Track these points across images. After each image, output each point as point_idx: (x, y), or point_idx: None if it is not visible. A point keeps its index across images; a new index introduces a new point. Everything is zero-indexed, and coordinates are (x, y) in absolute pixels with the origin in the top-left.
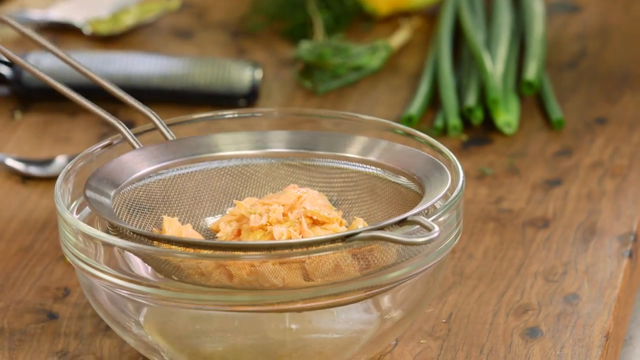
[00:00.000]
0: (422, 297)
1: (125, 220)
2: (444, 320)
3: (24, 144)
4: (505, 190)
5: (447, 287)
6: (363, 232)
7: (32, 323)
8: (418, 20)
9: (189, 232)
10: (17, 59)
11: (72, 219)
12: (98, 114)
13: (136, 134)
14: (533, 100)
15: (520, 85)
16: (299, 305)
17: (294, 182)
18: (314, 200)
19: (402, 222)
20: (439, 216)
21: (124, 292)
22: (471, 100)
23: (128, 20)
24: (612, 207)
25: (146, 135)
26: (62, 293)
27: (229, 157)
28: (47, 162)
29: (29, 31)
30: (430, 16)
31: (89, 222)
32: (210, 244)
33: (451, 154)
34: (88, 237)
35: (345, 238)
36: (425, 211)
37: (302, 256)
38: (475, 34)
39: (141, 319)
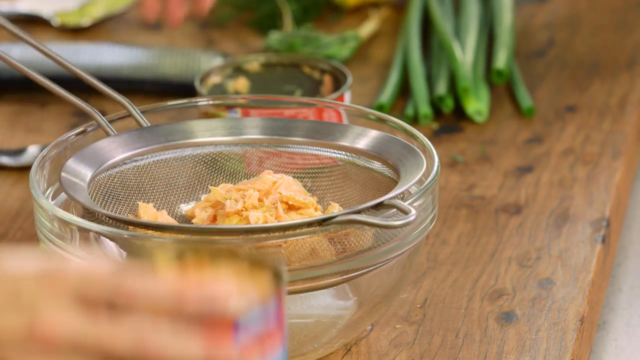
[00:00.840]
0: (398, 281)
1: (100, 207)
2: (419, 306)
3: None
4: (477, 177)
5: (422, 273)
6: (340, 215)
7: None
8: (386, 10)
9: (164, 219)
10: None
11: (48, 204)
12: (72, 101)
13: (110, 121)
14: (503, 89)
15: (490, 75)
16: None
17: (268, 169)
18: (289, 186)
19: (379, 206)
20: (416, 200)
21: None
22: (441, 88)
23: (96, 12)
24: (584, 193)
25: (119, 122)
26: None
27: (203, 144)
28: (19, 151)
29: (1, 19)
30: (399, 7)
31: (65, 208)
32: (187, 229)
33: (425, 138)
34: (64, 223)
35: (322, 222)
36: (401, 195)
37: (280, 240)
38: (444, 23)
39: None
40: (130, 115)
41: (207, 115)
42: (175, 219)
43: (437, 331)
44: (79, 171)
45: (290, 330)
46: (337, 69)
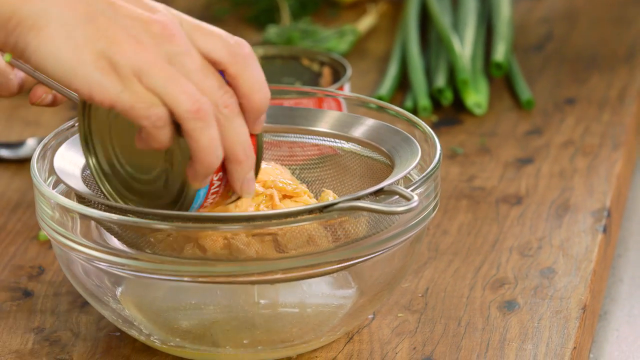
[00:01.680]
0: (400, 270)
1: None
2: (420, 295)
3: None
4: (477, 168)
5: (423, 263)
6: (341, 202)
7: (7, 301)
8: (384, 5)
9: None
10: None
11: (50, 191)
12: (65, 93)
13: None
14: (502, 82)
15: (489, 67)
16: (278, 276)
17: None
18: (282, 175)
19: (379, 192)
20: (418, 186)
21: (102, 265)
22: (440, 81)
23: None
24: (585, 184)
25: None
26: (37, 271)
27: None
28: (17, 144)
29: None
30: (396, 2)
31: (66, 196)
32: (188, 216)
33: (426, 125)
34: (65, 210)
35: (324, 209)
36: (402, 182)
37: (281, 227)
38: (443, 17)
39: (118, 293)
40: None
41: None
42: None
43: (439, 319)
44: (72, 157)
45: (293, 318)
46: (336, 61)
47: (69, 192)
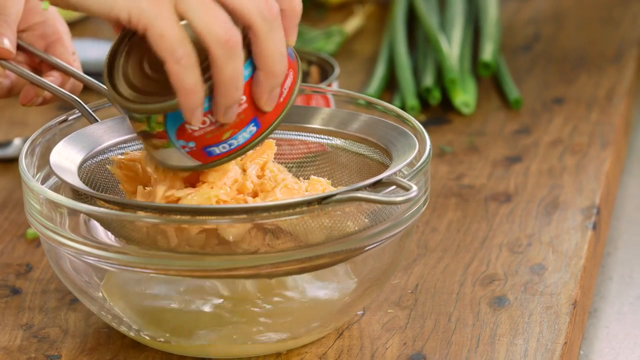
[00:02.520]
0: (390, 265)
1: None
2: (410, 291)
3: None
4: (465, 167)
5: (412, 260)
6: (340, 193)
7: None
8: (371, 7)
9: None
10: None
11: (38, 186)
12: (53, 90)
13: (93, 110)
14: (489, 82)
15: (476, 68)
16: (268, 270)
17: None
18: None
19: (377, 184)
20: (411, 179)
21: (90, 259)
22: (428, 80)
23: None
24: (574, 182)
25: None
26: (25, 269)
27: None
28: (4, 144)
29: None
30: (383, 4)
31: (54, 192)
32: (187, 209)
33: (415, 120)
34: (54, 205)
35: (322, 200)
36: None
37: (281, 219)
38: (430, 17)
39: (101, 288)
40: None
41: None
42: None
43: (429, 315)
44: (68, 156)
45: (282, 313)
46: (324, 60)
47: (58, 188)
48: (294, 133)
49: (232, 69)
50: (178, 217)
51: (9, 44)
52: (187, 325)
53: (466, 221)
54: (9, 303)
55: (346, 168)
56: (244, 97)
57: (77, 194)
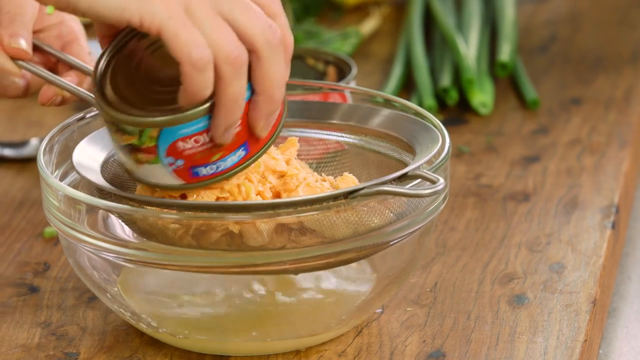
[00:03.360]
0: (409, 263)
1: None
2: (429, 289)
3: None
4: (483, 166)
5: (431, 258)
6: (367, 187)
7: (14, 296)
8: (387, 8)
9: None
10: None
11: (57, 183)
12: (71, 89)
13: None
14: (507, 83)
15: (494, 68)
16: (288, 266)
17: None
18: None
19: (403, 177)
20: (437, 170)
21: (109, 255)
22: (446, 80)
23: None
24: (592, 181)
25: None
26: (42, 268)
27: None
28: (21, 144)
29: None
30: (399, 5)
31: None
32: (213, 205)
33: (433, 117)
34: (72, 201)
35: (349, 194)
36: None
37: (307, 214)
38: (447, 18)
39: (117, 284)
40: None
41: None
42: None
43: (448, 313)
44: (91, 154)
45: (301, 310)
46: (342, 60)
47: (76, 185)
48: (314, 131)
49: (238, 87)
50: (205, 214)
51: (25, 44)
52: (205, 322)
53: (484, 220)
54: (27, 301)
55: (365, 167)
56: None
57: (101, 193)
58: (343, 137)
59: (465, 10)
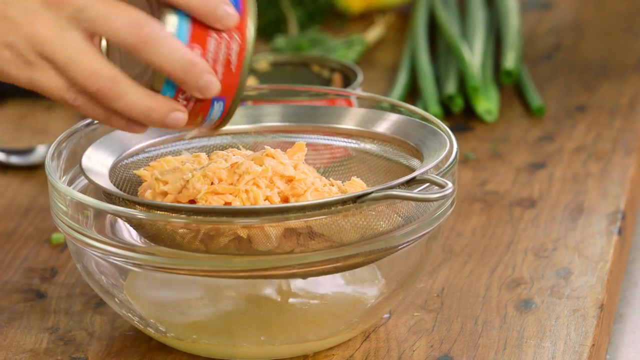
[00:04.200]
0: (417, 267)
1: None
2: (436, 294)
3: (2, 136)
4: (489, 173)
5: (437, 264)
6: (375, 192)
7: (21, 302)
8: (391, 16)
9: None
10: None
11: (65, 187)
12: None
13: None
14: (512, 90)
15: (499, 76)
16: (296, 270)
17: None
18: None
19: (411, 182)
20: (445, 175)
21: (117, 260)
22: (451, 88)
23: None
24: (598, 187)
25: None
26: (49, 274)
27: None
28: (28, 151)
29: None
30: (404, 14)
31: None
32: (222, 210)
33: (440, 122)
34: (80, 205)
35: (357, 199)
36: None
37: (316, 218)
38: (451, 26)
39: (124, 291)
40: None
41: None
42: None
43: (455, 318)
44: (99, 159)
45: (309, 315)
46: (347, 67)
47: (84, 189)
48: (320, 137)
49: (167, 51)
50: (213, 218)
51: None
52: (213, 326)
53: (491, 226)
54: (34, 307)
55: (372, 173)
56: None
57: (110, 198)
58: (350, 143)
59: (469, 19)
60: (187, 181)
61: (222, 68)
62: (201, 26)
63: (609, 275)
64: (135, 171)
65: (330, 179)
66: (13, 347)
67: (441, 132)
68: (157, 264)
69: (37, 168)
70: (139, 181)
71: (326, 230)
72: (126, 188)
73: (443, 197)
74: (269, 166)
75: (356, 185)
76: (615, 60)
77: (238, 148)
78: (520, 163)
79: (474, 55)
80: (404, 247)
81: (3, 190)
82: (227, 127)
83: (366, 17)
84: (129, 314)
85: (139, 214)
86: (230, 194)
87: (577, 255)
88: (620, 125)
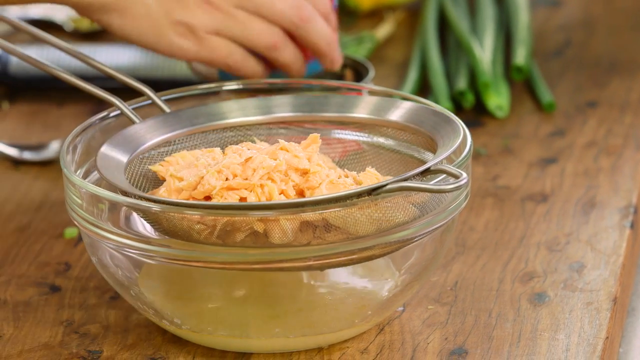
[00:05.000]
0: (431, 260)
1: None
2: (450, 288)
3: (14, 132)
4: (501, 168)
5: (451, 258)
6: (390, 183)
7: (35, 295)
8: (401, 13)
9: None
10: (13, 47)
11: (80, 180)
12: (95, 92)
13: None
14: (522, 86)
15: (509, 72)
16: (311, 263)
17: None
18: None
19: (425, 173)
20: (460, 166)
21: (132, 252)
22: (462, 83)
23: None
24: (610, 182)
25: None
26: (63, 268)
27: (232, 126)
28: (41, 146)
29: (22, 23)
30: (413, 11)
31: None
32: (238, 205)
33: (452, 114)
34: (95, 198)
35: (373, 191)
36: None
37: (332, 211)
38: (461, 23)
39: (139, 282)
40: (152, 102)
41: None
42: None
43: (469, 311)
44: (114, 155)
45: (324, 307)
46: (359, 63)
47: (99, 182)
48: (332, 130)
49: (288, 56)
50: (226, 211)
51: None
52: (228, 318)
53: (503, 220)
54: (48, 300)
55: (385, 165)
56: None
57: (125, 195)
58: (362, 136)
59: (479, 15)
60: (202, 177)
61: None
62: None
63: (621, 268)
64: (150, 167)
65: (345, 169)
66: (28, 340)
67: (453, 119)
68: (172, 256)
69: (50, 163)
70: (154, 176)
71: (342, 223)
72: (141, 184)
73: (458, 188)
74: (283, 160)
75: (371, 176)
76: (624, 57)
77: (252, 141)
78: (532, 158)
79: (485, 52)
80: (419, 239)
81: (16, 185)
82: (241, 119)
83: (376, 14)
84: (144, 307)
85: (154, 206)
86: (245, 189)
87: (589, 249)
88: (631, 121)
